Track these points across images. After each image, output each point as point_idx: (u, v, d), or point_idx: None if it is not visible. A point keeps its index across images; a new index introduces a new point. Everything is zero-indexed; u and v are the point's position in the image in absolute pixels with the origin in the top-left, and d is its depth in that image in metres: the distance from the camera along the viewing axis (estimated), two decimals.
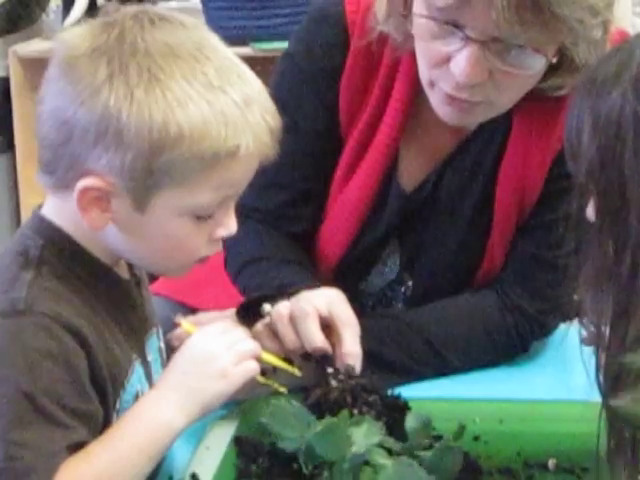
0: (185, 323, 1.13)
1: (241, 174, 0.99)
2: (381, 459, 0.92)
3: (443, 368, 1.23)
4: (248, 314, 1.22)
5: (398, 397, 1.05)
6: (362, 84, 1.27)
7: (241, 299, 1.29)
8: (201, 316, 1.26)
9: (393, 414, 1.03)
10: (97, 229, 0.99)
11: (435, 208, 1.30)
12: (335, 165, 1.30)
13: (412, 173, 1.30)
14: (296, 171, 1.32)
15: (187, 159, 0.95)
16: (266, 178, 1.31)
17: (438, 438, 1.01)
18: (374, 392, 1.05)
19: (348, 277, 1.30)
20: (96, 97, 0.93)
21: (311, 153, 1.30)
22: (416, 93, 1.26)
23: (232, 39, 2.56)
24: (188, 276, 1.49)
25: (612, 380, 0.84)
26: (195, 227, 1.00)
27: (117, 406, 1.03)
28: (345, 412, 1.00)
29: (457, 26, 1.11)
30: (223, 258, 1.39)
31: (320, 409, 1.04)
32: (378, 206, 1.30)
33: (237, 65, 1.01)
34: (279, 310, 1.13)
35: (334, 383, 1.07)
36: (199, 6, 2.55)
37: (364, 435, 0.97)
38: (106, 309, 1.04)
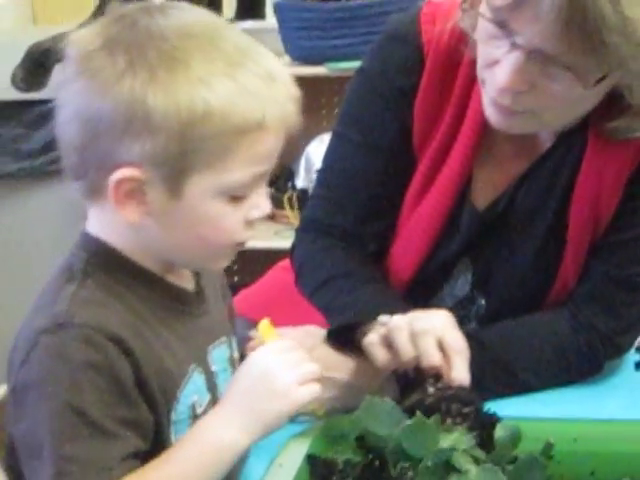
0: (264, 327, 1.12)
1: (270, 147, 0.99)
2: (466, 464, 0.92)
3: (515, 387, 1.22)
4: (339, 337, 1.23)
5: (493, 414, 1.05)
6: (437, 104, 1.27)
7: (317, 317, 1.30)
8: (284, 330, 1.24)
9: (485, 429, 1.03)
10: (134, 223, 0.98)
11: (508, 227, 1.29)
12: (408, 184, 1.30)
13: (485, 192, 1.30)
14: (368, 189, 1.31)
15: (216, 135, 0.94)
16: (335, 193, 1.34)
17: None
18: (470, 404, 1.05)
19: (419, 295, 1.30)
20: (119, 85, 0.92)
21: (384, 171, 1.30)
22: None
23: (307, 59, 2.64)
24: (264, 295, 1.52)
25: None
26: (230, 208, 0.99)
27: (172, 417, 1.02)
28: (437, 417, 1.00)
29: (509, 31, 1.11)
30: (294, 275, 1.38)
31: (414, 414, 1.03)
32: (450, 225, 1.29)
33: (253, 42, 1.00)
34: (398, 323, 1.14)
35: (431, 390, 1.07)
36: (275, 26, 2.55)
37: (453, 442, 0.97)
38: (158, 318, 1.03)
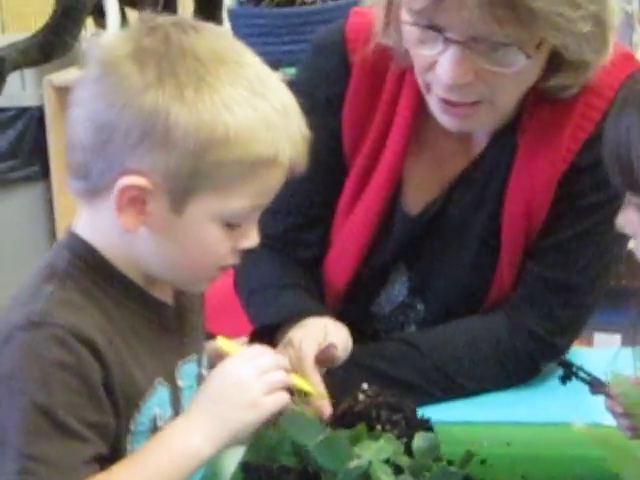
0: (223, 341, 1.12)
1: (276, 181, 1.00)
2: (383, 475, 0.92)
3: (454, 391, 1.24)
4: (261, 341, 1.23)
5: (426, 419, 1.07)
6: (365, 112, 1.29)
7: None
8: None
9: (416, 434, 1.05)
10: (130, 231, 0.99)
11: (442, 232, 1.31)
12: (340, 191, 1.31)
13: (418, 197, 1.31)
14: (302, 197, 1.33)
15: (230, 162, 0.95)
16: (272, 204, 1.34)
17: (450, 463, 1.01)
18: (400, 411, 1.06)
19: (357, 301, 1.32)
20: (144, 95, 0.93)
21: (316, 180, 1.30)
22: (419, 118, 1.27)
23: None
24: (210, 304, 1.53)
25: None
26: (224, 234, 1.01)
27: (131, 427, 1.02)
28: (363, 425, 1.02)
29: (438, 29, 1.12)
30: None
31: (345, 422, 1.06)
32: (384, 230, 1.31)
33: (273, 74, 1.02)
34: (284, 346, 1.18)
35: (361, 397, 1.08)
36: (230, 32, 2.53)
37: (377, 450, 0.98)
38: (132, 328, 1.03)
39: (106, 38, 0.99)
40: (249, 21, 2.49)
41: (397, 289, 1.36)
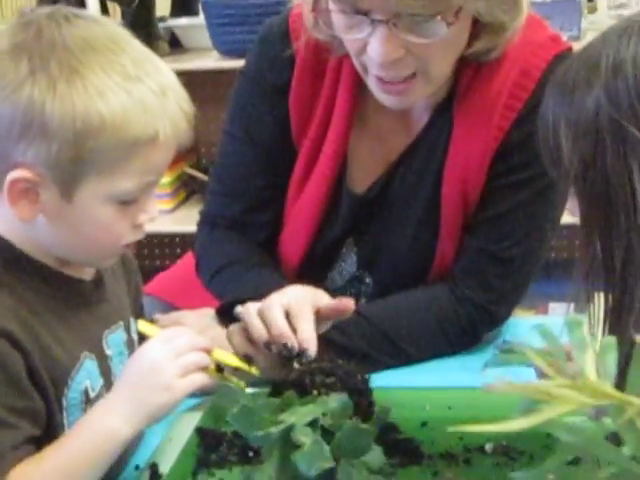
0: (141, 323, 1.13)
1: (161, 160, 1.01)
2: (302, 437, 0.91)
3: (400, 357, 1.26)
4: (226, 316, 1.26)
5: (363, 382, 1.08)
6: (310, 95, 1.31)
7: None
8: (180, 314, 1.31)
9: (352, 396, 1.03)
10: (27, 221, 0.98)
11: (386, 209, 1.33)
12: (290, 174, 1.34)
13: (363, 176, 1.33)
14: (253, 181, 1.36)
15: (110, 147, 0.95)
16: (226, 187, 1.38)
17: (393, 426, 1.04)
18: (332, 375, 1.05)
19: (311, 277, 1.32)
20: (19, 91, 0.93)
21: (266, 164, 1.34)
22: (359, 99, 1.30)
23: (233, 53, 2.66)
24: (178, 278, 1.57)
25: None
26: (119, 213, 1.01)
27: (63, 403, 1.03)
28: (291, 392, 0.99)
29: (363, 13, 1.14)
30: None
31: (281, 391, 1.04)
32: (332, 209, 1.33)
33: (151, 56, 1.02)
34: (248, 307, 1.17)
35: (296, 366, 1.09)
36: (204, 22, 2.61)
37: (301, 414, 0.95)
38: (50, 310, 1.03)
39: None
40: (219, 11, 2.51)
41: (347, 264, 1.39)
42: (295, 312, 1.15)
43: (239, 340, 1.18)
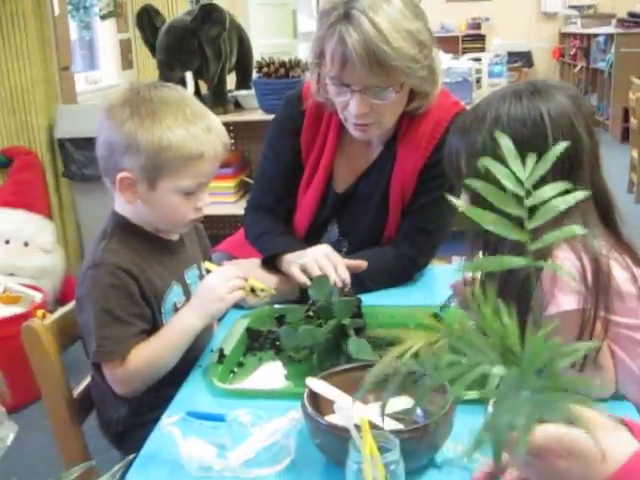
0: (207, 264, 1.37)
1: (207, 169, 1.21)
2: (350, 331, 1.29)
3: (364, 289, 1.61)
4: (266, 263, 1.65)
5: (357, 298, 1.42)
6: (313, 134, 1.70)
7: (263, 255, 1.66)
8: (238, 261, 1.67)
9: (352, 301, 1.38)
10: (131, 203, 1.21)
11: (356, 201, 1.73)
12: (300, 180, 1.75)
13: (342, 181, 1.74)
14: (277, 185, 1.76)
15: (174, 159, 1.16)
16: (264, 187, 1.78)
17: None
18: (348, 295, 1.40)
19: (310, 241, 1.71)
20: (124, 126, 1.16)
21: (286, 174, 1.75)
22: (341, 135, 1.68)
23: (269, 110, 3.43)
24: (237, 241, 1.91)
25: None
26: (184, 199, 1.22)
27: (162, 310, 1.27)
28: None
29: (346, 85, 1.46)
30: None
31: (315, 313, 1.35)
32: (324, 201, 1.74)
33: (204, 109, 1.23)
34: (307, 255, 1.51)
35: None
36: (254, 93, 3.32)
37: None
38: (152, 256, 1.26)
39: (110, 96, 1.24)
40: (264, 87, 3.23)
41: (332, 235, 1.79)
42: (333, 258, 1.51)
43: (296, 272, 1.52)
